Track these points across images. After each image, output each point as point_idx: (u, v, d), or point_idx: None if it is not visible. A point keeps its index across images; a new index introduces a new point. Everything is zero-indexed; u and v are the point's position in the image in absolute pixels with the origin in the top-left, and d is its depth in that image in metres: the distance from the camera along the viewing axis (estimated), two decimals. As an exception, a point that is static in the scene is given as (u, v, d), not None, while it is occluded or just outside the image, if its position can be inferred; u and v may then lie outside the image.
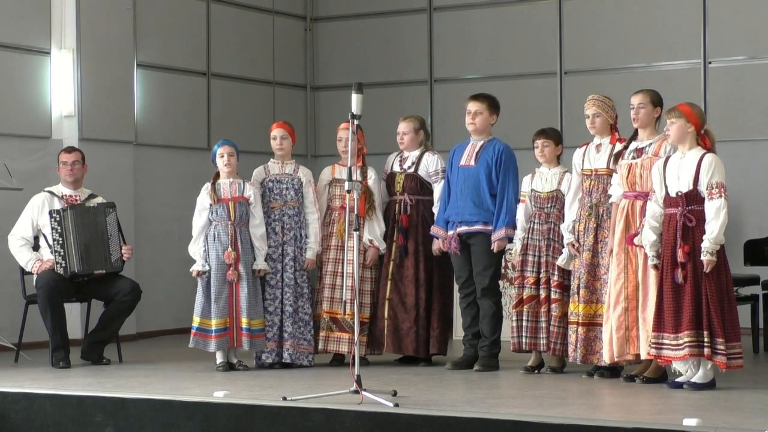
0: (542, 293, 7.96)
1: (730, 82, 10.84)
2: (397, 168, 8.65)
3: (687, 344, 6.95)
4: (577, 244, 7.75)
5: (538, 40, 11.68)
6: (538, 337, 7.97)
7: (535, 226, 8.03)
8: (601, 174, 7.70)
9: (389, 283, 8.51)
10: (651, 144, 7.47)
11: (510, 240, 8.14)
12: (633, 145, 7.55)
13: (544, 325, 7.93)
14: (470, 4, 12.05)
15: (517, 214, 8.11)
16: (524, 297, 8.00)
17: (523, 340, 7.99)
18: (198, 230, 8.28)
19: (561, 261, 7.86)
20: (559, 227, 7.96)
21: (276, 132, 8.56)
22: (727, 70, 10.88)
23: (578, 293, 7.70)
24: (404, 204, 8.55)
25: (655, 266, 7.17)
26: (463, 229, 8.23)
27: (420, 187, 8.56)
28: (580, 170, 7.82)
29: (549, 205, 8.02)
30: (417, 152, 8.63)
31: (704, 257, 6.94)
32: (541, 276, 7.97)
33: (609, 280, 7.49)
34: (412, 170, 8.58)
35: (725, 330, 6.95)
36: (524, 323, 7.98)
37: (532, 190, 8.08)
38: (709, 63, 10.92)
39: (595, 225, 7.67)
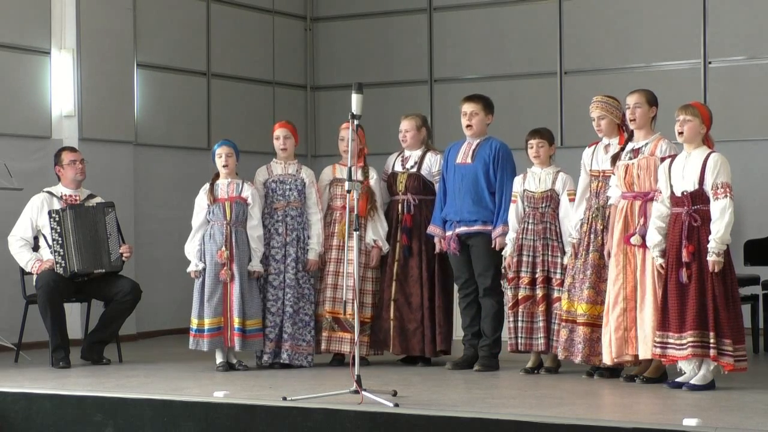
0: (539, 293, 7.95)
1: (730, 82, 10.84)
2: (398, 168, 8.64)
3: (690, 344, 6.94)
4: (576, 245, 7.75)
5: (538, 40, 11.68)
6: (534, 337, 7.97)
7: (530, 226, 8.02)
8: (609, 175, 7.66)
9: (394, 283, 8.49)
10: (647, 144, 7.47)
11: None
12: (629, 146, 7.54)
13: (542, 324, 7.92)
14: (470, 4, 12.05)
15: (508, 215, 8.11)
16: (519, 298, 8.00)
17: (519, 340, 7.99)
18: (194, 230, 8.30)
19: (567, 260, 7.85)
20: (555, 226, 7.96)
21: (279, 132, 8.56)
22: (727, 70, 10.89)
23: (569, 291, 7.70)
24: (407, 204, 8.54)
25: (660, 266, 7.16)
26: (462, 229, 8.22)
27: (423, 186, 8.55)
28: (589, 170, 7.81)
29: (544, 205, 8.02)
30: (419, 152, 8.63)
31: (710, 258, 6.92)
32: (537, 276, 7.96)
33: (608, 281, 7.49)
34: (414, 170, 8.57)
35: (732, 331, 6.94)
36: (520, 324, 7.98)
37: (524, 190, 8.07)
38: (709, 63, 10.92)
39: (602, 226, 7.64)
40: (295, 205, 8.46)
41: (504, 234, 8.11)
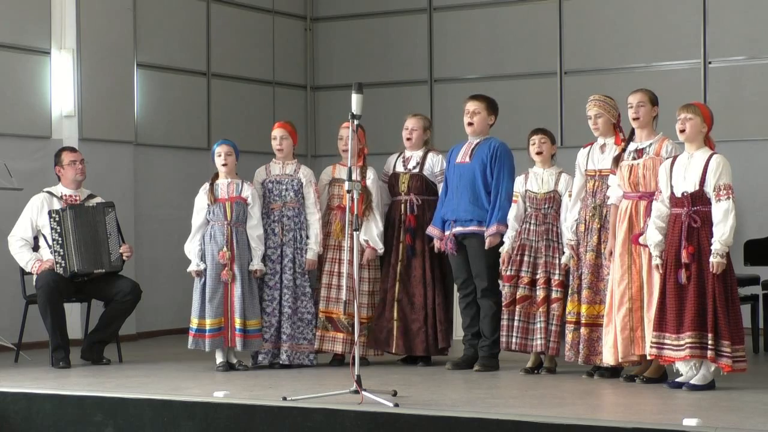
0: (539, 294, 7.93)
1: (730, 82, 10.84)
2: (400, 168, 8.63)
3: (688, 345, 6.94)
4: (575, 246, 7.75)
5: (538, 40, 11.68)
6: (530, 338, 7.95)
7: (531, 227, 8.01)
8: (605, 175, 7.66)
9: (397, 284, 8.50)
10: (651, 144, 7.46)
11: (502, 236, 8.12)
12: (632, 146, 7.54)
13: (541, 325, 7.90)
14: (470, 4, 12.05)
15: (508, 214, 8.10)
16: (517, 297, 7.99)
17: (513, 339, 7.98)
18: (194, 230, 8.30)
19: (565, 260, 7.85)
20: (557, 227, 7.96)
21: (276, 132, 8.56)
22: (727, 70, 10.89)
23: (579, 293, 7.70)
24: (411, 204, 8.54)
25: (657, 266, 7.16)
26: (458, 229, 8.22)
27: (425, 187, 8.55)
28: (584, 170, 7.81)
29: (546, 206, 8.01)
30: (420, 152, 8.62)
31: (714, 260, 6.91)
32: (537, 277, 7.95)
33: (611, 281, 7.48)
34: (416, 170, 8.57)
35: (731, 333, 6.95)
36: (515, 323, 7.97)
37: (526, 190, 8.07)
38: (709, 63, 10.92)
39: (598, 226, 7.65)
40: (291, 205, 8.45)
41: (498, 234, 8.08)
